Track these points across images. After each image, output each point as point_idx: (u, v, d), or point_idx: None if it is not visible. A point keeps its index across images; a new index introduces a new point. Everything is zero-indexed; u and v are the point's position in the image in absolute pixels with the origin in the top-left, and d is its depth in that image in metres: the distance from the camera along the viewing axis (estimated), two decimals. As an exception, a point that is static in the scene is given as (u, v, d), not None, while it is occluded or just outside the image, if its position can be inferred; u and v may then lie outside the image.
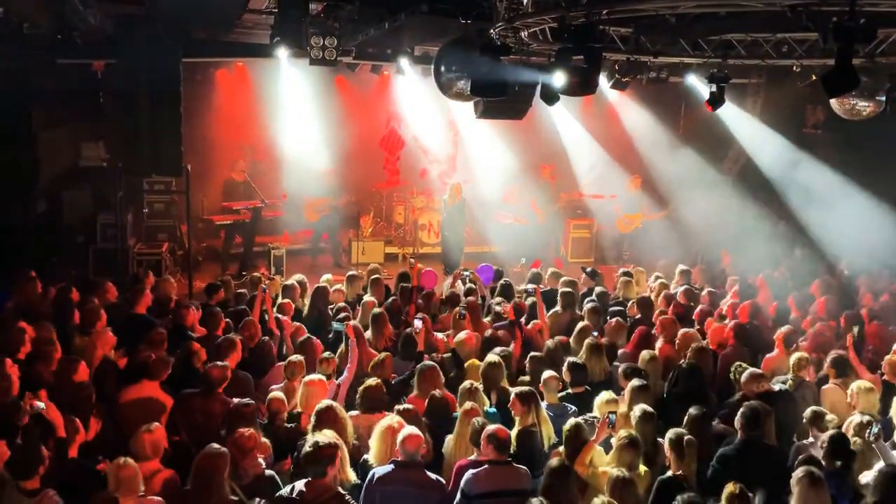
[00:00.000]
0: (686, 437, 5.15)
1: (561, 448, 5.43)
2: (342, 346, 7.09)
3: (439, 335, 7.64)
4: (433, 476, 4.94)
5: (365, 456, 5.25)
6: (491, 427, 5.10)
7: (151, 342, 6.59)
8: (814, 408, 5.91)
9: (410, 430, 4.98)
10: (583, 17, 6.44)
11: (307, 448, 4.60)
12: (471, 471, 4.97)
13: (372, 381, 6.04)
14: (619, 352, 7.49)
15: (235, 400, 5.64)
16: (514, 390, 5.80)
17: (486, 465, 4.99)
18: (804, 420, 5.83)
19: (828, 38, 5.26)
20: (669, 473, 5.14)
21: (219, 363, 6.08)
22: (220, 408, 5.71)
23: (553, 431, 5.70)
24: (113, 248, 11.01)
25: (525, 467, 5.09)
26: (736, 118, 13.44)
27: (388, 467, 4.90)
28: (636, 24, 8.21)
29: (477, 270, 9.94)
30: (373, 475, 4.92)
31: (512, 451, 5.25)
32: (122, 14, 9.19)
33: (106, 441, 5.39)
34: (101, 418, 5.57)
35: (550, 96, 8.43)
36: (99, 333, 6.65)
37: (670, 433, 5.21)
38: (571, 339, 7.56)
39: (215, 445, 4.69)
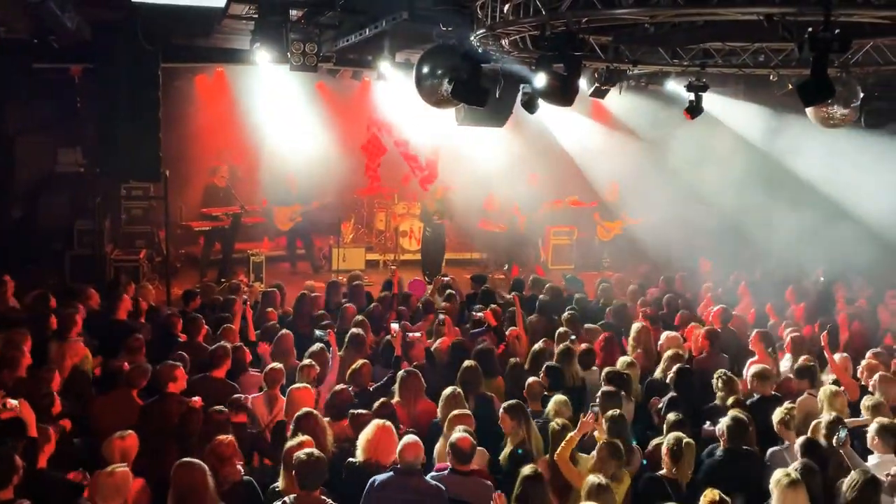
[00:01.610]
0: (685, 441, 5.18)
1: (547, 456, 5.43)
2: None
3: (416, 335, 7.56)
4: (433, 483, 4.90)
5: (350, 459, 5.22)
6: (455, 436, 5.08)
7: (130, 349, 6.53)
8: (781, 409, 5.92)
9: (409, 438, 4.97)
10: (563, 25, 6.48)
11: (301, 457, 4.56)
12: (433, 474, 5.03)
13: (338, 387, 6.04)
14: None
15: (196, 398, 5.63)
16: (503, 405, 5.72)
17: (446, 472, 5.02)
18: (774, 423, 5.83)
19: (803, 48, 5.33)
20: (662, 472, 5.17)
21: (168, 362, 6.07)
22: (177, 408, 5.66)
23: (542, 443, 5.65)
24: (90, 255, 10.89)
25: (488, 482, 5.05)
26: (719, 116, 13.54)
27: (388, 474, 4.88)
28: (615, 33, 8.27)
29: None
30: (373, 481, 4.87)
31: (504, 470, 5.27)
32: (100, 19, 9.11)
33: (78, 451, 5.31)
34: (73, 428, 5.49)
35: (531, 105, 8.48)
36: (70, 343, 6.55)
37: (670, 437, 5.23)
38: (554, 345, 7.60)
39: (187, 459, 4.64)
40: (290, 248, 13.36)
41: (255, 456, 5.93)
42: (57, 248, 10.94)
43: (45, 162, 11.20)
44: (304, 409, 5.39)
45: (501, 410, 5.63)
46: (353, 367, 6.55)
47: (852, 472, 4.92)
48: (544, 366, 6.73)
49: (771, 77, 9.13)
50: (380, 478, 4.88)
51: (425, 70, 7.93)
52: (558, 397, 5.99)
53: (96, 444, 5.39)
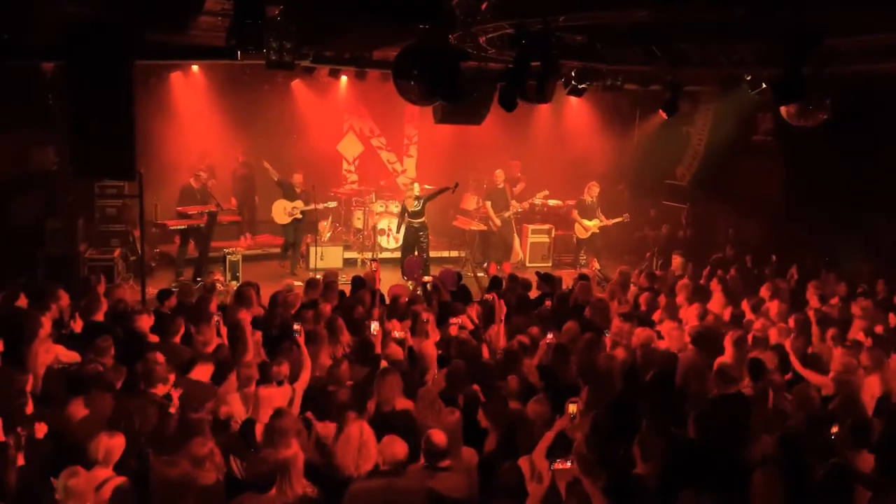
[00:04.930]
0: (653, 438, 5.22)
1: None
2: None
3: (397, 334, 7.54)
4: (416, 481, 4.83)
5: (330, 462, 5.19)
6: (430, 431, 5.04)
7: (97, 350, 6.44)
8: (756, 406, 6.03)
9: (392, 438, 4.90)
10: (540, 25, 6.50)
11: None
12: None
13: (332, 387, 5.99)
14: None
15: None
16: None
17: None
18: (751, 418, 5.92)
19: (778, 48, 5.40)
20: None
21: (151, 359, 5.99)
22: (155, 410, 5.58)
23: None
24: (63, 254, 10.75)
25: (463, 478, 5.02)
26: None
27: (368, 476, 4.83)
28: (591, 32, 8.31)
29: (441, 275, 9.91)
30: (352, 483, 4.82)
31: None
32: (72, 15, 8.98)
33: (52, 454, 5.23)
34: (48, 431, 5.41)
35: (508, 103, 8.49)
36: (41, 343, 6.45)
37: (640, 434, 5.27)
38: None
39: (168, 457, 4.59)
40: (284, 248, 13.24)
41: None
42: (29, 247, 10.78)
43: (17, 160, 11.02)
44: (277, 410, 5.35)
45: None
46: (331, 365, 6.51)
47: (830, 461, 5.01)
48: (536, 366, 6.73)
49: (745, 76, 9.23)
50: (360, 484, 4.80)
51: (403, 67, 7.91)
52: (538, 396, 6.01)
53: (70, 446, 5.32)
